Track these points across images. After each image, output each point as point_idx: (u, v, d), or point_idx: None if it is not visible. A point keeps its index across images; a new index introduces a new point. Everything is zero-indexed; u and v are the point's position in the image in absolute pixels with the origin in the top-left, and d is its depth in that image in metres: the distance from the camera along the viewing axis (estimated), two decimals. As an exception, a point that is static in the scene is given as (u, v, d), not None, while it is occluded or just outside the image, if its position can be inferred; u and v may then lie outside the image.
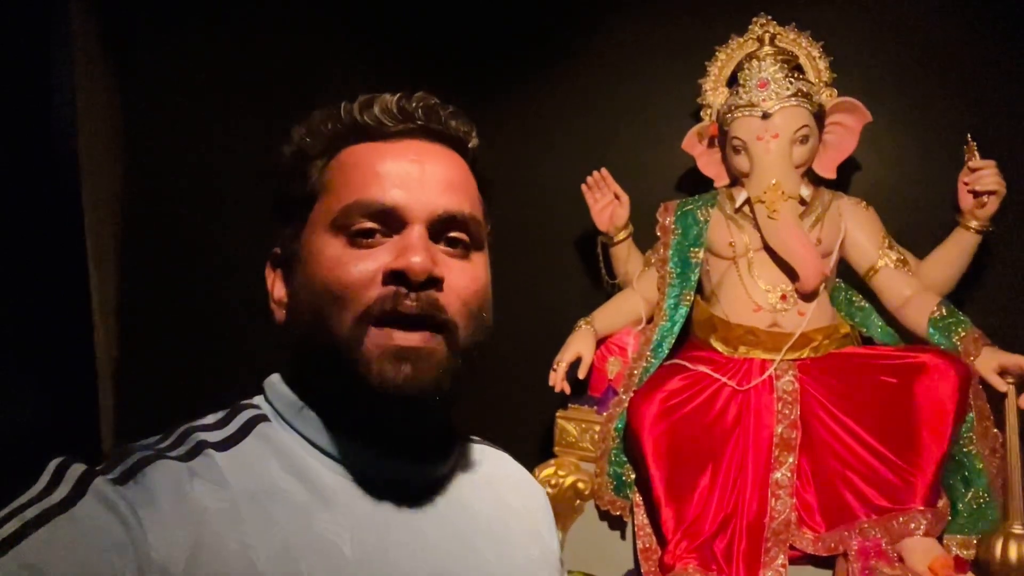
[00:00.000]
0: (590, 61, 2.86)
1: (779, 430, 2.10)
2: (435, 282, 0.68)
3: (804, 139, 2.24)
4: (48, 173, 2.40)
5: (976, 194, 2.11)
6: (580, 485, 2.32)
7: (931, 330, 2.09)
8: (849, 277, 2.36)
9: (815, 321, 2.22)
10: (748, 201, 2.30)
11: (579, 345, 2.36)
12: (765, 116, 2.23)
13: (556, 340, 2.40)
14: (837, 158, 2.33)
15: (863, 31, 2.52)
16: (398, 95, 0.74)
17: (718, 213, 2.39)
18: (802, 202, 2.26)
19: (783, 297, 2.25)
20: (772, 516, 2.04)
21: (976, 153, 2.11)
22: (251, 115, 2.75)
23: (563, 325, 2.45)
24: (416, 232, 0.68)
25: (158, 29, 2.83)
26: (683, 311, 2.39)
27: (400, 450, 0.72)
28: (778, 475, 2.07)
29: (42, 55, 2.37)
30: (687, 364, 2.25)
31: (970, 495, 1.97)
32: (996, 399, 1.96)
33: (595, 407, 2.41)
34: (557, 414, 2.44)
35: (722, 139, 2.39)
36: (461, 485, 0.78)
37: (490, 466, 0.85)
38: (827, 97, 2.35)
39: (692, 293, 2.40)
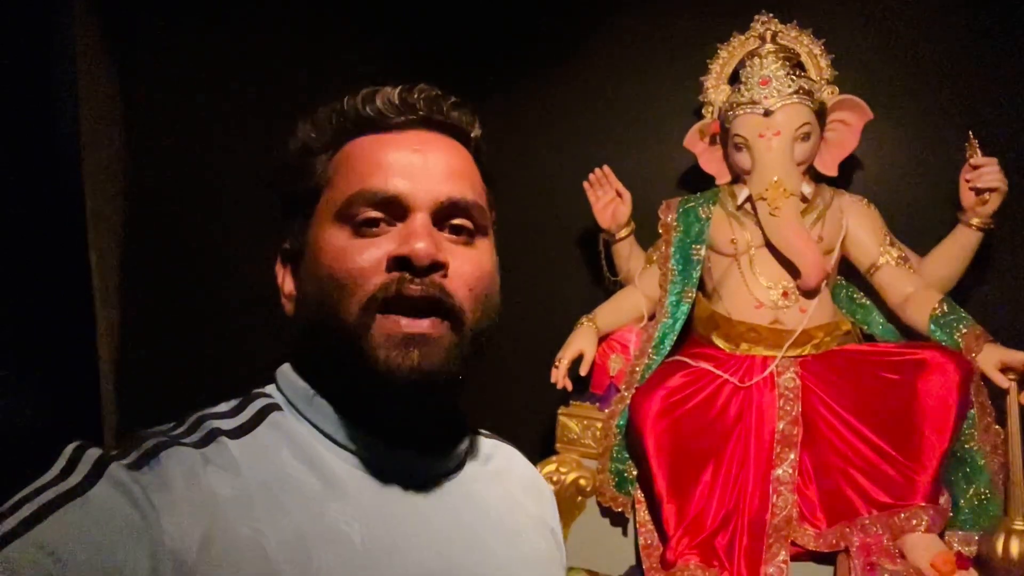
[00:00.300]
0: (592, 58, 2.86)
1: (781, 427, 2.11)
2: (439, 267, 0.68)
3: (806, 136, 2.24)
4: (50, 171, 2.40)
5: (978, 191, 2.11)
6: (582, 482, 2.33)
7: (932, 327, 2.10)
8: (850, 274, 2.36)
9: (816, 318, 2.23)
10: (750, 198, 2.31)
11: (581, 342, 2.37)
12: (767, 113, 2.23)
13: (558, 337, 2.41)
14: (839, 156, 2.34)
15: (865, 29, 2.52)
16: (400, 87, 0.74)
17: (720, 210, 2.40)
18: (804, 199, 2.26)
19: (785, 294, 2.25)
20: (774, 512, 2.04)
21: (978, 150, 2.12)
22: (254, 114, 2.75)
23: (565, 322, 2.46)
24: (419, 219, 0.69)
25: (160, 28, 2.83)
26: (685, 308, 2.39)
27: (411, 441, 0.72)
28: (780, 471, 2.08)
29: (44, 54, 2.37)
30: (689, 361, 2.25)
31: (972, 491, 1.97)
32: (998, 395, 1.96)
33: (597, 404, 2.41)
34: (559, 411, 2.45)
35: (724, 136, 2.39)
36: (471, 477, 0.78)
37: (499, 460, 0.86)
38: (828, 95, 2.35)
39: (694, 290, 2.40)
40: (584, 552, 2.27)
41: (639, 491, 2.22)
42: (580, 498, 2.34)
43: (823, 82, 2.37)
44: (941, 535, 1.92)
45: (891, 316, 2.27)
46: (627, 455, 2.26)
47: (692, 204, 2.45)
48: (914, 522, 1.89)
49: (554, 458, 2.38)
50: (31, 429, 2.17)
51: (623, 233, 2.53)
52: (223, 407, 0.71)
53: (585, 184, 2.53)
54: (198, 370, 2.66)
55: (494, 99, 2.83)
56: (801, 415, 2.11)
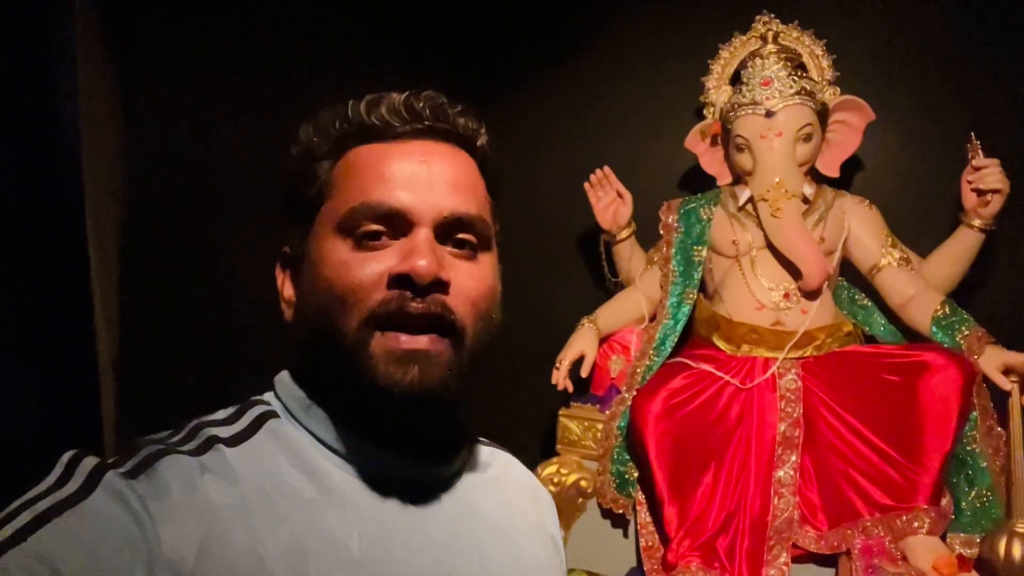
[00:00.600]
0: (593, 59, 2.86)
1: (782, 428, 2.11)
2: (441, 285, 0.67)
3: (807, 137, 2.24)
4: (50, 172, 2.40)
5: (980, 192, 2.11)
6: (583, 483, 2.32)
7: (934, 328, 2.09)
8: (852, 275, 2.36)
9: (818, 319, 2.22)
10: (751, 199, 2.31)
11: (582, 343, 2.36)
12: (768, 114, 2.23)
13: (559, 338, 2.41)
14: (840, 156, 2.33)
15: (866, 29, 2.52)
16: (405, 94, 0.73)
17: (721, 211, 2.39)
18: (805, 200, 2.26)
19: (786, 295, 2.25)
20: (775, 514, 2.04)
21: (980, 151, 2.12)
22: (254, 114, 2.75)
23: (566, 323, 2.46)
24: (422, 235, 0.68)
25: (161, 28, 2.82)
26: (686, 309, 2.39)
27: (409, 449, 0.72)
28: (781, 473, 2.07)
29: (44, 54, 2.37)
30: (690, 362, 2.25)
31: (973, 494, 1.96)
32: (1000, 398, 1.96)
33: (598, 405, 2.41)
34: (560, 412, 2.44)
35: (725, 137, 2.39)
36: (469, 485, 0.78)
37: (497, 467, 0.85)
38: (830, 95, 2.35)
39: (695, 291, 2.40)
40: (585, 554, 2.27)
41: (640, 493, 2.22)
42: (581, 500, 2.34)
43: (825, 83, 2.37)
44: (943, 537, 1.92)
45: (893, 317, 2.26)
46: (628, 457, 2.26)
47: (693, 205, 2.44)
48: (916, 524, 1.88)
49: (555, 460, 2.38)
50: (31, 429, 2.17)
51: (624, 234, 2.53)
52: (220, 414, 0.71)
53: (586, 185, 2.53)
54: (198, 370, 2.66)
55: (495, 100, 2.82)
56: (802, 417, 2.11)
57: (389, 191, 0.69)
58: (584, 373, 2.35)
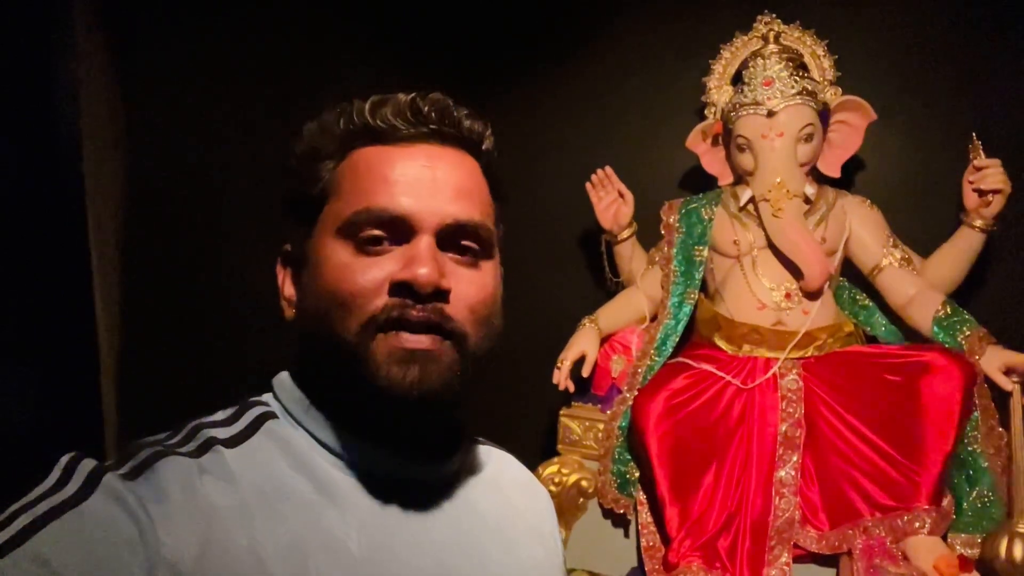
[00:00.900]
0: (594, 59, 2.86)
1: (783, 428, 2.10)
2: (442, 294, 0.67)
3: (809, 137, 2.24)
4: (51, 170, 2.40)
5: (981, 193, 2.11)
6: (584, 483, 2.32)
7: (936, 329, 2.09)
8: (853, 276, 2.36)
9: (819, 320, 2.22)
10: (752, 199, 2.30)
11: (583, 343, 2.36)
12: (770, 114, 2.23)
13: (560, 338, 2.41)
14: (842, 156, 2.33)
15: (868, 29, 2.51)
16: (411, 96, 0.72)
17: (722, 211, 2.39)
18: (807, 200, 2.26)
19: (787, 295, 2.25)
20: (776, 515, 2.04)
21: (981, 152, 2.11)
22: (255, 114, 2.75)
23: (567, 323, 2.46)
24: (424, 242, 0.68)
25: (161, 28, 2.83)
26: (687, 309, 2.39)
27: (407, 450, 0.72)
28: (782, 473, 2.07)
29: (45, 53, 2.37)
30: (691, 362, 2.25)
31: (975, 494, 1.96)
32: (1001, 398, 1.96)
33: (599, 405, 2.41)
34: (561, 412, 2.44)
35: (726, 137, 2.39)
36: (467, 485, 0.78)
37: (496, 467, 0.85)
38: (832, 95, 2.34)
39: (696, 291, 2.40)
40: (586, 554, 2.27)
41: (641, 493, 2.22)
42: (582, 500, 2.33)
43: (826, 83, 2.36)
44: (944, 537, 1.92)
45: (894, 318, 2.26)
46: (629, 457, 2.26)
47: (694, 205, 2.44)
48: (917, 524, 1.88)
49: (556, 459, 2.38)
50: (31, 430, 2.17)
51: (625, 234, 2.53)
52: (219, 415, 0.71)
53: (587, 185, 2.53)
54: (198, 370, 2.66)
55: (496, 100, 2.82)
56: (804, 417, 2.10)
57: (392, 196, 0.68)
58: (585, 373, 2.35)
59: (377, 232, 0.68)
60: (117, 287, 2.67)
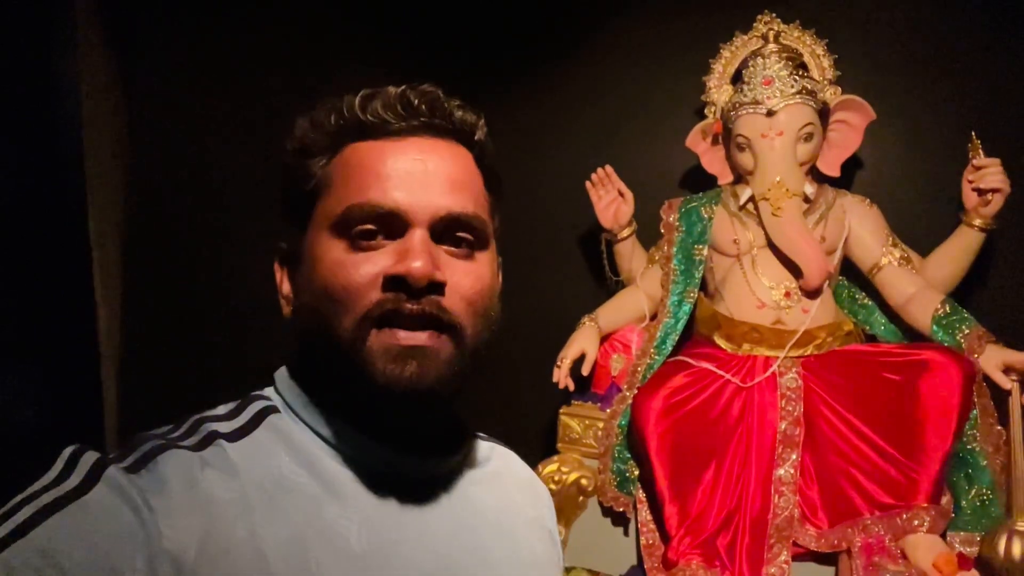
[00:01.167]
0: (594, 58, 2.86)
1: (783, 427, 2.11)
2: (437, 286, 0.67)
3: (808, 137, 2.24)
4: (52, 171, 2.40)
5: (980, 192, 2.11)
6: (583, 481, 2.32)
7: (935, 327, 2.10)
8: (853, 275, 2.36)
9: (819, 318, 2.22)
10: (752, 199, 2.31)
11: (583, 342, 2.37)
12: (769, 113, 2.23)
13: (560, 337, 2.41)
14: (841, 156, 2.33)
15: (867, 29, 2.52)
16: (401, 89, 0.72)
17: (722, 210, 2.40)
18: (806, 199, 2.26)
19: (787, 294, 2.25)
20: (775, 513, 2.04)
21: (980, 151, 2.12)
22: (255, 113, 2.75)
23: (567, 322, 2.46)
24: (418, 236, 0.68)
25: (162, 27, 2.83)
26: (687, 308, 2.39)
27: (408, 445, 0.72)
28: (781, 472, 2.08)
29: (46, 54, 2.37)
30: (691, 361, 2.25)
31: (974, 492, 1.96)
32: (1000, 396, 1.96)
33: (598, 404, 2.41)
34: (560, 410, 2.44)
35: (726, 136, 2.39)
36: (468, 481, 0.78)
37: (496, 463, 0.85)
38: (831, 95, 2.35)
39: (696, 290, 2.40)
40: (585, 552, 2.28)
41: (641, 491, 2.22)
42: (581, 498, 2.33)
43: (826, 82, 2.37)
44: (943, 536, 1.92)
45: (893, 316, 2.26)
46: (629, 455, 2.26)
47: (694, 204, 2.45)
48: (916, 523, 1.88)
49: (556, 458, 2.38)
50: (33, 426, 2.17)
51: (625, 233, 2.53)
52: (221, 410, 0.71)
53: (587, 184, 2.53)
54: (198, 369, 2.67)
55: (496, 99, 2.83)
56: (803, 415, 2.11)
57: (384, 191, 0.68)
58: (585, 371, 2.36)
59: (370, 227, 0.68)
60: (118, 285, 2.68)
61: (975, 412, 1.97)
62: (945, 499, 1.94)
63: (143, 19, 2.81)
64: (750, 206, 2.33)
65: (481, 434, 0.88)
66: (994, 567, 1.82)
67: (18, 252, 2.22)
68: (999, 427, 1.97)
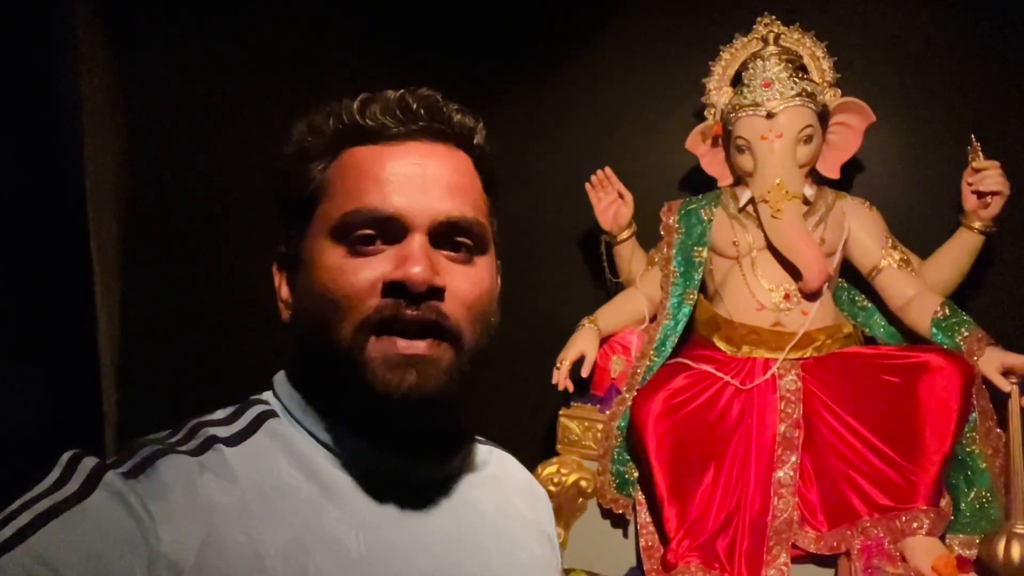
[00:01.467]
0: (594, 59, 2.86)
1: (782, 429, 2.11)
2: (436, 292, 0.67)
3: (808, 139, 2.24)
4: (52, 171, 2.40)
5: (980, 195, 2.11)
6: (583, 483, 2.32)
7: (934, 330, 2.10)
8: (852, 277, 2.36)
9: (818, 320, 2.22)
10: (752, 201, 2.31)
11: (582, 343, 2.36)
12: (769, 116, 2.23)
13: (559, 338, 2.41)
14: (841, 158, 2.33)
15: (867, 31, 2.52)
16: (400, 93, 0.72)
17: (722, 212, 2.40)
18: (806, 202, 2.26)
19: (786, 296, 2.25)
20: (775, 515, 2.04)
21: (980, 154, 2.12)
22: (255, 114, 2.75)
23: (566, 324, 2.46)
24: (417, 241, 0.67)
25: (162, 27, 2.83)
26: (686, 310, 2.39)
27: (407, 449, 0.72)
28: (781, 474, 2.08)
29: (46, 54, 2.37)
30: (690, 363, 2.25)
31: (973, 495, 1.97)
32: (999, 399, 1.96)
33: (598, 405, 2.41)
34: (560, 412, 2.44)
35: (726, 139, 2.39)
36: (467, 484, 0.78)
37: (495, 466, 0.85)
38: (831, 97, 2.35)
39: (695, 292, 2.40)
40: (584, 554, 2.28)
41: (640, 493, 2.22)
42: (581, 500, 2.34)
43: (825, 85, 2.36)
44: (942, 538, 1.92)
45: (893, 319, 2.27)
46: (628, 457, 2.26)
47: (694, 206, 2.45)
48: (915, 525, 1.89)
49: (555, 459, 2.38)
50: (31, 429, 2.17)
51: (625, 235, 2.53)
52: (219, 414, 0.71)
53: (587, 185, 2.53)
54: (198, 370, 2.67)
55: (496, 100, 2.83)
56: (802, 418, 2.11)
57: (383, 196, 0.68)
58: (584, 373, 2.35)
59: (369, 232, 0.68)
60: (117, 287, 2.67)
61: (974, 415, 1.98)
62: (944, 501, 1.94)
63: (143, 19, 2.80)
64: (750, 208, 2.33)
65: (479, 437, 0.87)
66: (993, 570, 1.82)
67: (18, 252, 2.22)
68: (998, 430, 1.98)
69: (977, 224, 2.13)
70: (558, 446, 2.42)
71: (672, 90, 2.72)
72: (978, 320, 2.08)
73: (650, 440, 2.11)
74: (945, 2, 2.47)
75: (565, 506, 2.30)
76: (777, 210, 2.22)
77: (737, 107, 2.30)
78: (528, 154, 2.86)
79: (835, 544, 1.99)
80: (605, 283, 2.62)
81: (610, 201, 2.51)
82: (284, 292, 0.76)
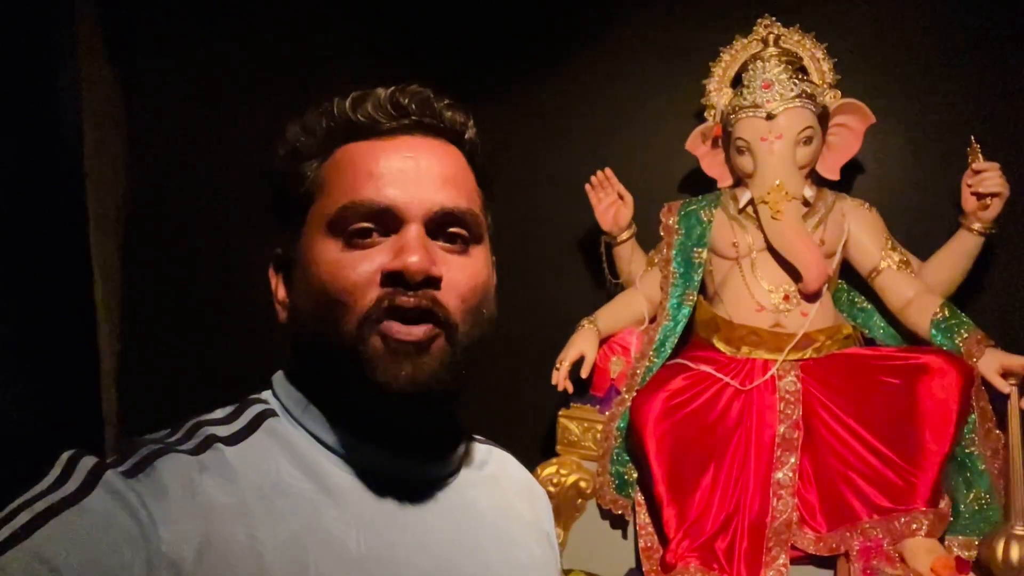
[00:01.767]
0: (594, 60, 2.86)
1: (781, 430, 2.11)
2: (433, 281, 0.67)
3: (808, 140, 2.24)
4: (52, 173, 2.40)
5: (979, 196, 2.11)
6: (582, 484, 2.33)
7: (933, 331, 2.10)
8: (852, 278, 2.36)
9: (817, 322, 2.23)
10: (751, 202, 2.31)
11: (582, 344, 2.36)
12: (769, 117, 2.23)
13: (559, 339, 2.41)
14: (840, 159, 2.33)
15: (867, 33, 2.52)
16: (391, 90, 0.73)
17: (721, 214, 2.40)
18: (805, 203, 2.26)
19: (786, 297, 2.25)
20: (774, 516, 2.04)
21: (980, 155, 2.11)
22: (256, 113, 2.75)
23: (566, 324, 2.46)
24: (413, 231, 0.68)
25: (163, 27, 2.83)
26: (686, 311, 2.39)
27: (406, 447, 0.72)
28: (780, 475, 2.08)
29: (46, 54, 2.38)
30: (690, 364, 2.25)
31: (972, 496, 1.97)
32: (998, 400, 1.96)
33: (597, 406, 2.41)
34: (559, 413, 2.45)
35: (726, 140, 2.39)
36: (466, 484, 0.78)
37: (494, 465, 0.85)
38: (831, 99, 2.35)
39: (695, 293, 2.40)
40: (584, 554, 2.28)
41: (639, 493, 2.22)
42: (580, 500, 2.34)
43: (825, 86, 2.37)
44: (941, 539, 1.92)
45: (892, 320, 2.27)
46: (627, 457, 2.26)
47: (694, 207, 2.45)
48: (914, 526, 1.89)
49: (554, 460, 2.38)
50: (31, 429, 2.17)
51: (624, 235, 2.53)
52: (219, 413, 0.71)
53: (587, 186, 2.53)
54: (198, 370, 2.67)
55: (496, 100, 2.83)
56: (802, 419, 2.11)
57: (378, 188, 0.69)
58: (584, 374, 2.35)
59: (365, 225, 0.68)
60: (118, 288, 2.67)
61: (973, 416, 1.98)
62: (943, 503, 1.94)
63: (143, 20, 2.81)
64: (749, 209, 2.33)
65: (479, 437, 0.88)
66: (992, 571, 1.82)
67: (18, 252, 2.22)
68: (997, 431, 1.98)
69: (977, 226, 2.13)
70: (557, 447, 2.42)
71: (672, 91, 2.72)
72: (977, 322, 2.08)
73: (649, 441, 2.11)
74: (945, 3, 2.47)
75: (564, 507, 2.30)
76: (777, 211, 2.22)
77: (737, 108, 2.30)
78: (528, 155, 2.86)
79: (834, 545, 1.99)
80: (605, 284, 2.62)
81: (610, 202, 2.51)
82: (281, 293, 0.77)
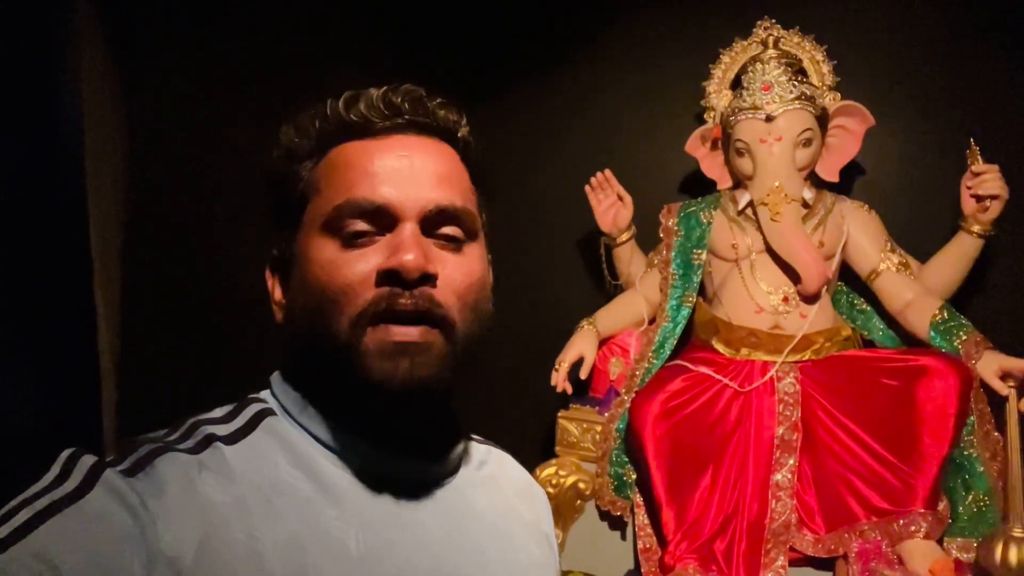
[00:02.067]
0: (594, 62, 2.86)
1: (780, 432, 2.11)
2: (429, 278, 0.67)
3: (807, 142, 2.24)
4: (52, 171, 2.40)
5: (979, 198, 2.11)
6: (581, 485, 2.33)
7: (932, 333, 2.10)
8: (851, 280, 2.36)
9: (817, 323, 2.23)
10: (751, 203, 2.31)
11: (581, 345, 2.37)
12: (768, 119, 2.23)
13: (558, 340, 2.41)
14: (840, 162, 2.34)
15: (867, 35, 2.52)
16: (384, 89, 0.73)
17: (721, 215, 2.40)
18: (805, 205, 2.27)
19: (785, 299, 2.25)
20: (772, 517, 2.04)
21: (979, 157, 2.12)
22: (256, 113, 2.75)
23: (565, 325, 2.46)
24: (408, 229, 0.68)
25: (163, 27, 2.83)
26: (685, 312, 2.39)
27: (405, 448, 0.72)
28: (779, 477, 2.08)
29: (46, 54, 2.37)
30: (689, 365, 2.25)
31: (971, 498, 1.97)
32: (997, 402, 1.96)
33: (597, 407, 2.41)
34: (559, 414, 2.45)
35: (725, 142, 2.39)
36: (465, 483, 0.78)
37: (493, 465, 0.85)
38: (830, 101, 2.35)
39: (694, 295, 2.41)
40: (582, 555, 2.28)
41: (638, 495, 2.22)
42: (579, 501, 2.34)
43: (825, 88, 2.37)
44: (940, 542, 1.93)
45: (891, 322, 2.27)
46: (626, 459, 2.26)
47: (693, 209, 2.45)
48: (913, 528, 1.89)
49: (553, 461, 2.38)
50: (31, 429, 2.17)
51: (624, 237, 2.53)
52: (218, 412, 0.71)
53: (587, 188, 2.53)
54: (198, 370, 2.66)
55: (496, 101, 2.83)
56: (801, 420, 2.11)
57: (372, 187, 0.69)
58: (583, 375, 2.36)
59: (361, 224, 0.69)
60: (118, 287, 2.67)
61: (972, 418, 1.98)
62: (942, 505, 1.95)
63: (143, 19, 2.80)
64: (749, 211, 2.33)
65: (478, 437, 0.88)
66: (991, 573, 1.82)
67: (18, 252, 2.22)
68: (996, 433, 1.98)
69: (976, 228, 2.13)
70: (557, 448, 2.42)
71: (672, 93, 2.72)
72: (976, 324, 2.08)
73: (648, 442, 2.12)
74: (945, 5, 2.48)
75: (563, 508, 2.30)
76: (776, 213, 2.22)
77: (736, 110, 2.31)
78: (528, 156, 2.87)
79: (833, 547, 1.99)
80: (604, 285, 2.62)
81: (610, 203, 2.51)
82: (278, 294, 0.77)
